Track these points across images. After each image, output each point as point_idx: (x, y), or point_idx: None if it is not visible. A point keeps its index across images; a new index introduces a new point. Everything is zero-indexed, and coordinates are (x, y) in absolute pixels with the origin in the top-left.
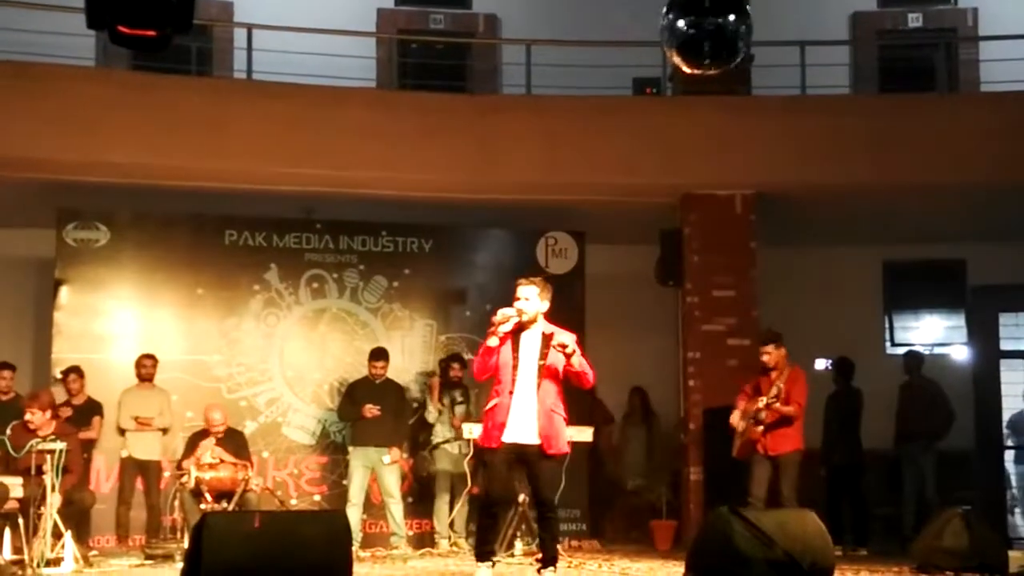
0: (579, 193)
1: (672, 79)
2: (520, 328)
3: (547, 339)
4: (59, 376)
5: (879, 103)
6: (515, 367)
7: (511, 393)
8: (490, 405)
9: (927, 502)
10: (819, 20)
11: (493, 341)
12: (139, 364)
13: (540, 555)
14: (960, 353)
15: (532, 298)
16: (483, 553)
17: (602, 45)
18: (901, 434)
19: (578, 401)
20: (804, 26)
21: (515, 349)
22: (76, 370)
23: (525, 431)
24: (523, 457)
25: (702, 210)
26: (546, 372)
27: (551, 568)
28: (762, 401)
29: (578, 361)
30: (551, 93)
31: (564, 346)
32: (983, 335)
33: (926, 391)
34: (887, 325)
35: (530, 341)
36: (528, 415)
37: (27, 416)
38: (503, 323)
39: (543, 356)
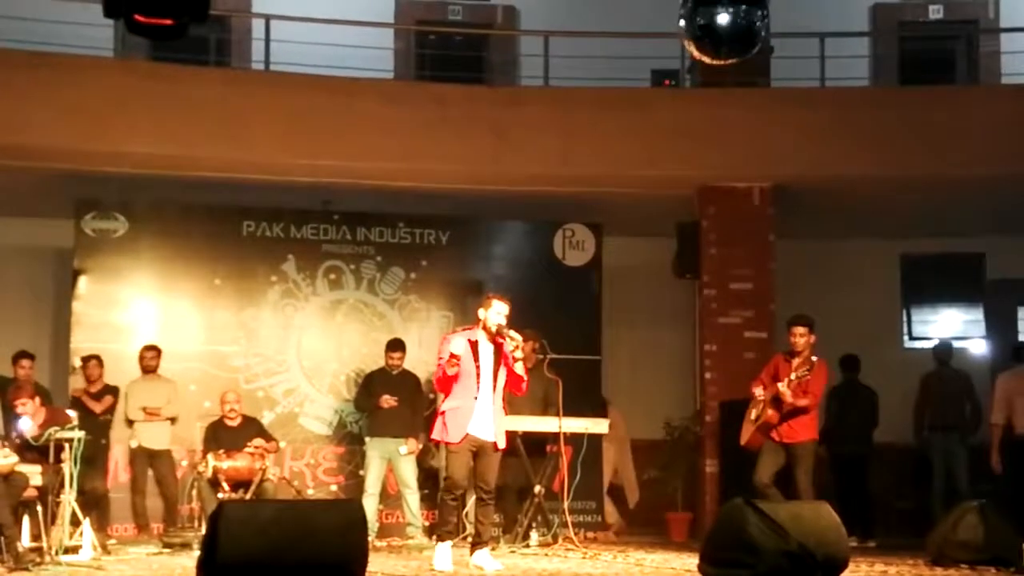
0: (596, 185)
1: (691, 71)
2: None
3: (499, 349)
4: (78, 364)
5: (899, 95)
6: (478, 375)
7: (475, 398)
8: (452, 406)
9: (959, 495)
10: (839, 12)
11: (453, 371)
12: (141, 356)
13: (474, 537)
14: (978, 347)
15: (507, 315)
16: (444, 533)
17: (620, 36)
18: (929, 425)
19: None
20: (824, 18)
21: (476, 359)
22: (96, 358)
23: (484, 429)
24: (477, 449)
25: (720, 202)
26: (500, 378)
27: (481, 548)
28: (784, 382)
29: (521, 368)
30: (569, 85)
31: (515, 358)
32: (1001, 329)
33: (955, 382)
34: (905, 318)
35: (487, 352)
36: (487, 416)
37: (18, 410)
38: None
39: (498, 364)
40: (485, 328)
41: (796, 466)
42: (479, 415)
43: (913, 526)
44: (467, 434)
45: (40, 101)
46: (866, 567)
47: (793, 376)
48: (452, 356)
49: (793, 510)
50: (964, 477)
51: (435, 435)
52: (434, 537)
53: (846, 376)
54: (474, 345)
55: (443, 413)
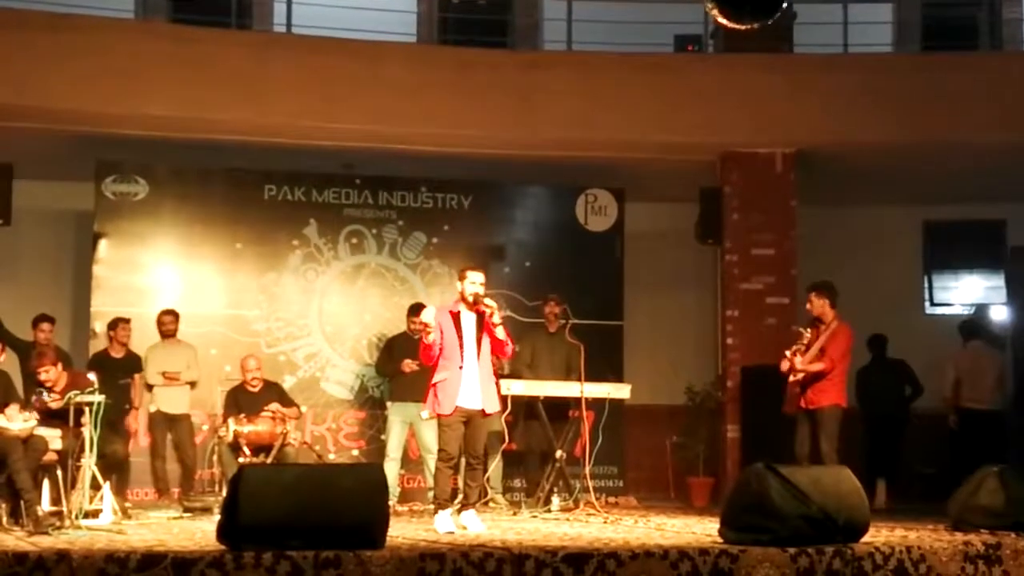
0: (619, 150)
1: (714, 37)
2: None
3: (481, 318)
4: (98, 329)
5: (921, 61)
6: (461, 346)
7: (461, 368)
8: (441, 378)
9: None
10: None
11: (429, 339)
12: (159, 321)
13: (463, 500)
14: (999, 313)
15: (482, 283)
16: (443, 502)
17: (644, 1)
18: None
19: None
20: None
21: (459, 330)
22: (126, 321)
23: (472, 398)
24: (468, 418)
25: (742, 168)
26: (484, 345)
27: (467, 509)
28: (790, 351)
29: (502, 333)
30: (592, 50)
31: (494, 324)
32: (1023, 295)
33: (993, 346)
34: (927, 285)
35: (469, 321)
36: (474, 384)
37: (42, 376)
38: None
39: (481, 332)
40: (464, 300)
41: (819, 431)
42: (466, 385)
43: (939, 491)
44: (457, 406)
45: (60, 63)
46: (887, 531)
47: (805, 343)
48: (425, 325)
49: (814, 475)
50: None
51: (428, 407)
52: (433, 507)
53: (874, 355)
54: (456, 317)
55: (434, 386)
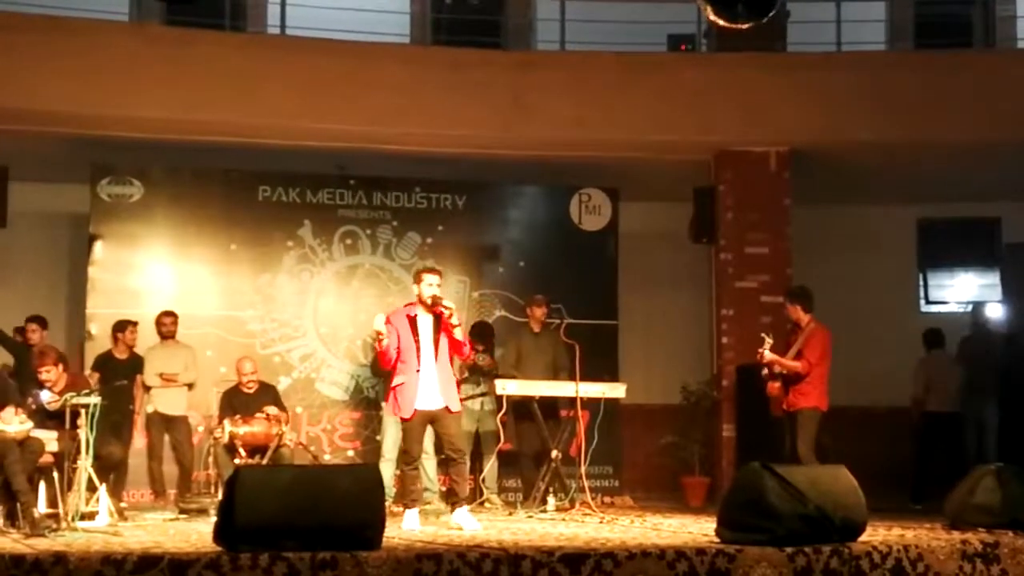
0: (613, 150)
1: (707, 36)
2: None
3: (439, 319)
4: (94, 331)
5: (915, 60)
6: (418, 349)
7: (417, 371)
8: (399, 382)
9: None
10: None
11: (384, 343)
12: (159, 322)
13: (453, 497)
14: (994, 311)
15: (439, 284)
16: (410, 501)
17: (637, 1)
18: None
19: None
20: None
21: (415, 333)
22: (134, 323)
23: (431, 399)
24: (432, 418)
25: (736, 167)
26: (441, 347)
27: (461, 506)
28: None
29: (460, 334)
30: (585, 49)
31: (453, 325)
32: (1017, 293)
33: (991, 344)
34: (921, 283)
35: (426, 324)
36: (432, 385)
37: (42, 376)
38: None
39: (438, 334)
40: (422, 302)
41: (796, 434)
42: (424, 387)
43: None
44: (416, 410)
45: (55, 66)
46: (884, 531)
47: (766, 345)
48: (377, 333)
49: (810, 474)
50: (994, 443)
51: (388, 409)
52: (401, 505)
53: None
54: (412, 320)
55: (394, 389)
